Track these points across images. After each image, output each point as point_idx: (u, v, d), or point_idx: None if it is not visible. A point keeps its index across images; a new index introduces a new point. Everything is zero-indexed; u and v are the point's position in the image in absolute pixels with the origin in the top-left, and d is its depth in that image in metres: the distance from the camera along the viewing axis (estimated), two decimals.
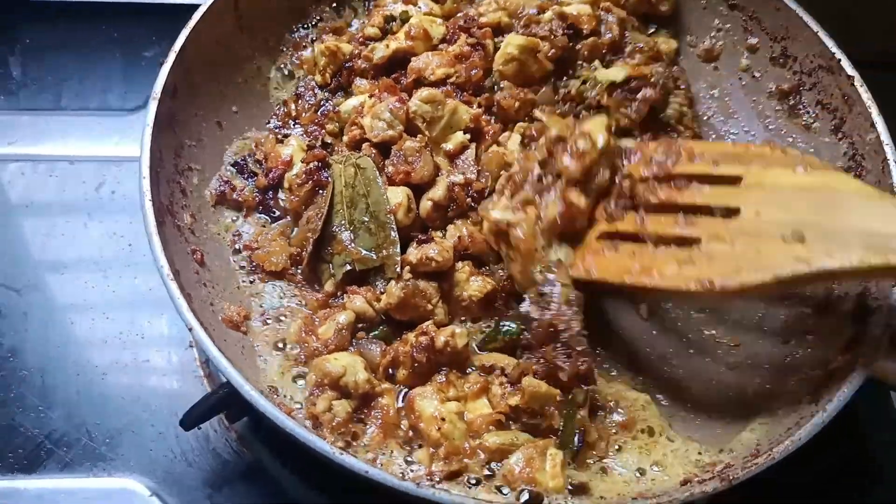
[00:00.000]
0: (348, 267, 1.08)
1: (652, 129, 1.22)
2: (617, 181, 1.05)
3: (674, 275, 0.92)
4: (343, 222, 1.10)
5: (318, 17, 1.31)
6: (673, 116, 1.24)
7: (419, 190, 1.13)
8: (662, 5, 1.31)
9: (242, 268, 1.11)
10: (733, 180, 0.95)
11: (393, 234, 1.08)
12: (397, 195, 1.10)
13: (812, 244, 0.83)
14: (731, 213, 0.93)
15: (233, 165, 1.18)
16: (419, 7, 1.27)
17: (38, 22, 1.52)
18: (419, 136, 1.14)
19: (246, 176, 1.17)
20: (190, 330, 0.92)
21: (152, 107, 1.06)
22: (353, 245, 1.09)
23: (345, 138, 1.17)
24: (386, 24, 1.25)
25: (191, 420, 1.07)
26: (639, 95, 1.19)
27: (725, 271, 0.88)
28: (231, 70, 1.22)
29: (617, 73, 1.21)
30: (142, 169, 1.01)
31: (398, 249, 1.07)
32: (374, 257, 1.08)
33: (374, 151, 1.14)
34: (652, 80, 1.21)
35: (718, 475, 0.91)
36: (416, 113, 1.14)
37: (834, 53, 1.15)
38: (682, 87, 1.27)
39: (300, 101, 1.24)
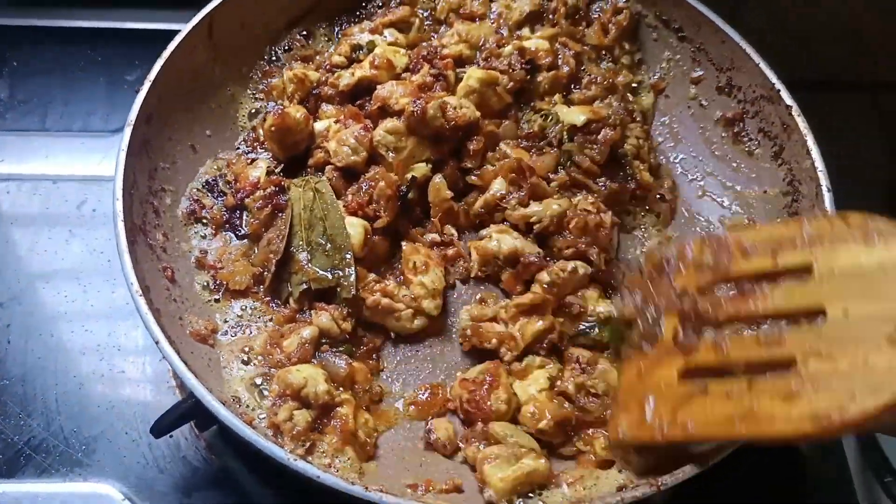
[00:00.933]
0: (304, 286, 1.14)
1: (610, 165, 1.26)
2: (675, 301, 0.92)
3: (784, 416, 0.77)
4: (301, 243, 1.16)
5: (288, 46, 1.38)
6: (630, 151, 1.29)
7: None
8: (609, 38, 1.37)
9: (206, 286, 1.17)
10: (803, 271, 0.83)
11: (348, 256, 1.14)
12: (355, 228, 1.16)
13: None
14: (813, 314, 0.80)
15: (204, 185, 1.24)
16: (384, 37, 1.33)
17: (26, 46, 1.58)
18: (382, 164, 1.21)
19: (216, 195, 1.23)
20: (157, 343, 0.98)
21: (127, 133, 1.12)
22: (309, 265, 1.14)
23: (310, 161, 1.23)
24: (352, 52, 1.32)
25: (160, 428, 1.13)
26: (600, 137, 1.24)
27: (839, 400, 0.72)
28: (205, 96, 1.28)
29: (576, 117, 1.25)
30: (115, 192, 1.08)
31: (353, 270, 1.13)
32: (330, 277, 1.14)
33: (335, 174, 1.20)
34: (611, 120, 1.26)
35: (648, 482, 0.97)
36: (379, 142, 1.21)
37: (774, 84, 1.21)
38: (638, 118, 1.34)
39: None
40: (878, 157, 1.61)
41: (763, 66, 1.23)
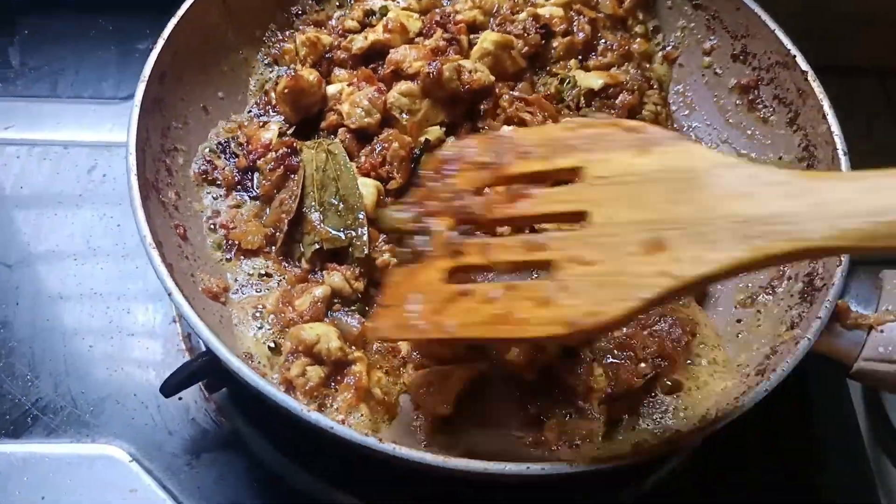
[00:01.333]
0: (317, 246, 1.13)
1: None
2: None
3: (537, 320, 0.76)
4: (313, 204, 1.15)
5: (301, 10, 1.37)
6: (648, 117, 1.28)
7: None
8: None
9: (219, 245, 1.16)
10: (575, 175, 0.82)
11: (361, 216, 1.13)
12: (368, 189, 1.15)
13: (675, 250, 0.70)
14: (579, 218, 0.79)
15: (216, 146, 1.23)
16: (398, 2, 1.33)
17: (37, 13, 1.58)
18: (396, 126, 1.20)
19: (228, 157, 1.22)
20: (169, 295, 0.96)
21: (140, 89, 1.11)
22: (321, 225, 1.14)
23: (322, 123, 1.23)
24: (365, 17, 1.31)
25: (170, 387, 1.12)
26: (617, 101, 1.24)
27: (590, 306, 0.73)
28: (217, 58, 1.27)
29: (593, 81, 1.25)
30: (129, 146, 1.06)
31: (366, 230, 1.12)
32: (343, 237, 1.13)
33: (348, 136, 1.20)
34: (628, 85, 1.26)
35: (667, 441, 0.96)
36: (393, 104, 1.20)
37: (790, 50, 1.21)
38: (655, 86, 1.33)
39: None
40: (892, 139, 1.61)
41: (779, 32, 1.22)
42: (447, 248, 0.87)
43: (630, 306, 0.72)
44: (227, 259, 1.15)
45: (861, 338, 1.02)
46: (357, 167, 1.18)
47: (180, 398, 1.20)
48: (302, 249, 1.15)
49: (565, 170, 0.83)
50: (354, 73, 1.26)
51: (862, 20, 1.58)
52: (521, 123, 1.20)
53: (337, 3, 1.38)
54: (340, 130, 1.21)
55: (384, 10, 1.31)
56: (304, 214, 1.15)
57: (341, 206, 1.14)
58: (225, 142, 1.23)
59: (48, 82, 1.51)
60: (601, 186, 0.78)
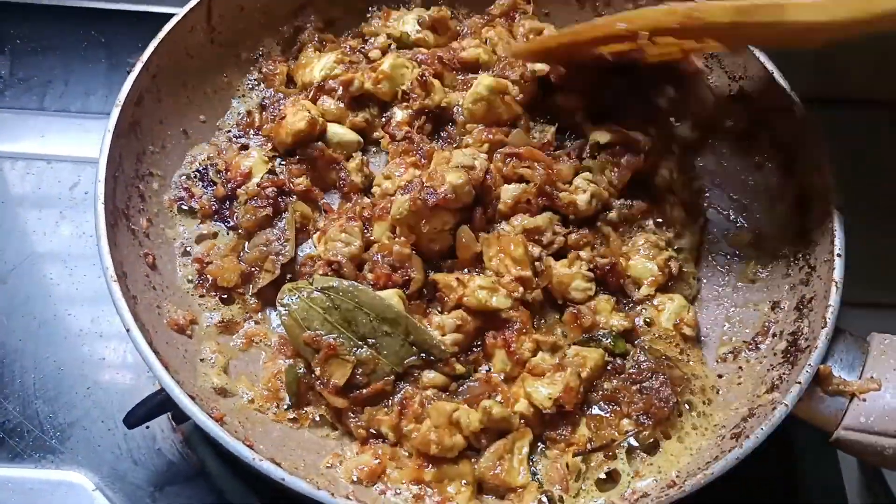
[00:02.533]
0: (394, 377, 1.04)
1: (638, 196, 1.19)
2: None
3: None
4: (354, 344, 1.03)
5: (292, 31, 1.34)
6: (660, 182, 1.21)
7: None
8: None
9: (191, 280, 1.13)
10: None
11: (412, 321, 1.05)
12: (393, 300, 1.06)
13: None
14: None
15: (195, 173, 1.20)
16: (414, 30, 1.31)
17: (28, 24, 1.56)
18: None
19: (205, 184, 1.19)
20: (128, 331, 0.95)
21: (115, 113, 1.09)
22: (383, 359, 1.03)
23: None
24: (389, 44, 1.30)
25: (134, 419, 1.11)
26: (623, 161, 1.17)
27: None
28: (200, 80, 1.24)
29: (601, 135, 1.18)
30: (98, 173, 1.04)
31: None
32: (421, 356, 1.05)
33: (329, 271, 1.10)
34: (638, 146, 1.18)
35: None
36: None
37: (789, 94, 1.16)
38: (676, 150, 1.25)
39: (264, 113, 1.26)
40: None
41: (777, 75, 1.18)
42: None
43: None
44: (199, 294, 1.12)
45: (843, 404, 0.98)
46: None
47: (147, 427, 1.18)
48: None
49: None
50: (340, 106, 1.23)
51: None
52: (521, 180, 1.15)
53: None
54: (318, 265, 1.11)
55: (406, 38, 1.30)
56: (356, 356, 1.02)
57: (387, 328, 1.04)
58: (203, 169, 1.20)
59: (36, 94, 1.50)
60: None
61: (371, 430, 1.02)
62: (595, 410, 1.06)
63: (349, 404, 1.02)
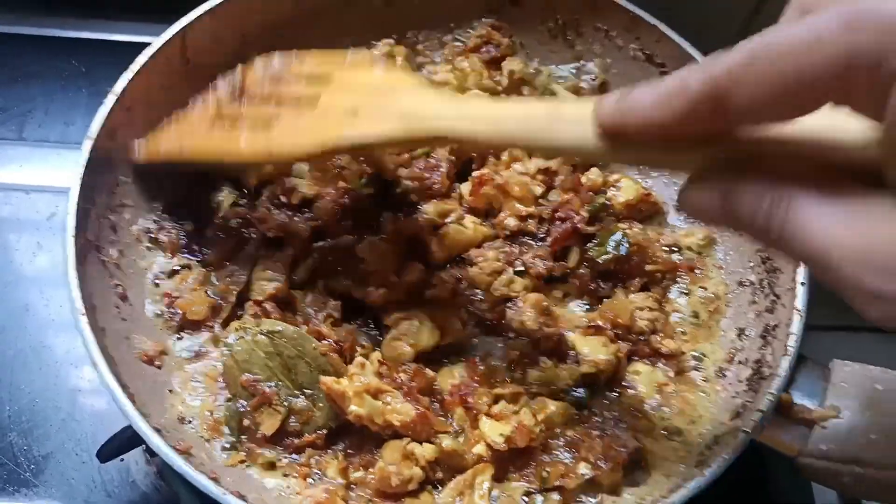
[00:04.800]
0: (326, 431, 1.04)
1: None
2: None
3: (247, 145, 1.03)
4: (289, 393, 1.04)
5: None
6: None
7: None
8: None
9: (160, 314, 1.13)
10: (327, 80, 1.04)
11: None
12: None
13: (362, 119, 0.94)
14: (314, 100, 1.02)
15: (164, 207, 1.20)
16: None
17: (8, 53, 1.58)
18: None
19: (177, 218, 1.20)
20: (94, 366, 0.95)
21: (86, 146, 1.10)
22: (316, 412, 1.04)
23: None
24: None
25: (107, 452, 1.12)
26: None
27: (287, 140, 1.00)
28: (174, 111, 1.25)
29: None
30: (69, 206, 1.06)
31: None
32: None
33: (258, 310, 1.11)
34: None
35: None
36: None
37: None
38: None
39: None
40: None
41: None
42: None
43: (318, 142, 0.97)
44: (168, 327, 1.12)
45: (805, 432, 0.99)
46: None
47: (122, 459, 1.19)
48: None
49: (322, 76, 1.04)
50: None
51: None
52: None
53: None
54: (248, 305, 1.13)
55: None
56: (290, 405, 1.03)
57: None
58: (174, 203, 1.21)
59: (15, 124, 1.51)
60: (337, 86, 1.02)
61: (314, 471, 1.03)
62: (558, 456, 1.05)
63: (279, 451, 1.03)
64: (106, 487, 1.18)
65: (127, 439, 1.12)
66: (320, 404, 1.03)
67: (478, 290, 1.16)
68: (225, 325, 1.12)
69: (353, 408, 1.00)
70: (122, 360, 1.01)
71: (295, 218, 1.17)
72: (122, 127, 1.17)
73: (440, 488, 1.02)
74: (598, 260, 1.17)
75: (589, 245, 1.19)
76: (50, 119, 1.52)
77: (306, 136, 0.99)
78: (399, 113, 0.92)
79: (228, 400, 1.06)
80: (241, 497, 0.90)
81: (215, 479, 0.92)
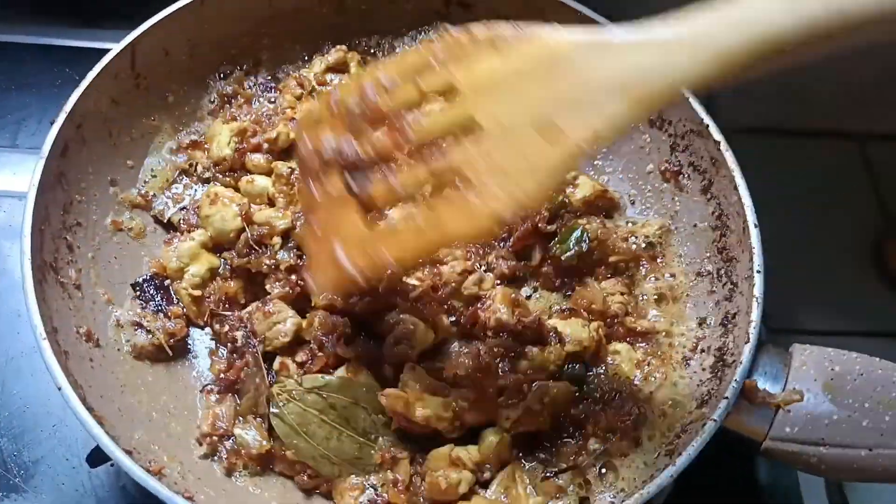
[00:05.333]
0: None
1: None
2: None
3: (466, 219, 0.80)
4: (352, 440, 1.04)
5: (222, 74, 1.35)
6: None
7: None
8: None
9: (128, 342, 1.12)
10: (449, 92, 0.84)
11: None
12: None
13: (566, 123, 0.75)
14: (470, 129, 0.81)
15: (136, 295, 1.16)
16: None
17: (4, 61, 1.58)
18: None
19: (153, 309, 1.15)
20: (59, 389, 0.93)
21: (39, 166, 1.08)
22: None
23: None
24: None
25: (96, 457, 1.11)
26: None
27: (509, 194, 0.78)
28: (127, 126, 1.23)
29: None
30: (23, 229, 1.03)
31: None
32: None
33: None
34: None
35: None
36: None
37: (703, 119, 1.20)
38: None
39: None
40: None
41: (692, 100, 1.22)
42: (353, 196, 0.87)
43: (542, 181, 0.77)
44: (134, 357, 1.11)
45: (770, 416, 1.02)
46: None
47: (112, 464, 1.17)
48: None
49: (438, 91, 0.84)
50: (270, 159, 1.25)
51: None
52: None
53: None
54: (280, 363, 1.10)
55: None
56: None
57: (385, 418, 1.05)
58: (147, 279, 1.17)
59: (10, 131, 1.51)
60: (475, 94, 0.81)
61: None
62: (565, 437, 1.08)
63: None
64: (96, 493, 1.17)
65: None
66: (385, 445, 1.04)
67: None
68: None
69: (419, 411, 1.01)
70: (86, 382, 0.99)
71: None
72: (74, 144, 1.15)
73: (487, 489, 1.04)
74: (562, 258, 1.19)
75: (551, 244, 1.21)
76: (43, 127, 1.50)
77: (518, 177, 0.77)
78: (605, 86, 0.74)
79: None
80: None
81: (190, 499, 0.91)
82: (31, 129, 1.52)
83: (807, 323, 1.10)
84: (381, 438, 1.04)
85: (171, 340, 1.12)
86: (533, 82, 0.78)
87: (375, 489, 1.02)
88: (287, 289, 1.11)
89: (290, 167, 1.21)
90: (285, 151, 1.26)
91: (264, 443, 1.04)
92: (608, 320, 1.17)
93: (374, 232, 0.86)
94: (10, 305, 1.32)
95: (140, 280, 1.17)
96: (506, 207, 0.78)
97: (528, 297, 1.21)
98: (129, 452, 0.92)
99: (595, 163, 1.36)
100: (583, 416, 1.08)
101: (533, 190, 0.78)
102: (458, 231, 0.81)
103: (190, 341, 1.16)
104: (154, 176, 1.26)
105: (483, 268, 1.19)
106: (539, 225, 1.21)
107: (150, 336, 1.11)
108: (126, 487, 1.18)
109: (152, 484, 0.89)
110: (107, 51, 1.18)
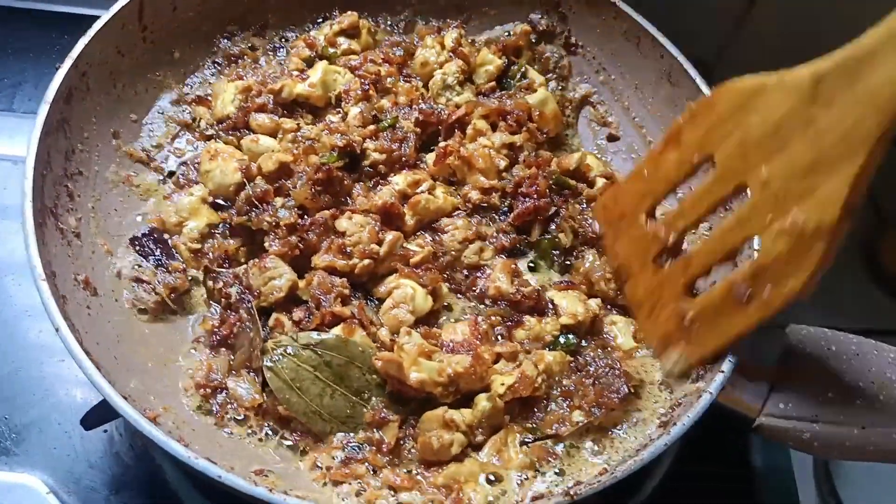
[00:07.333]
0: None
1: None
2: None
3: (772, 294, 0.91)
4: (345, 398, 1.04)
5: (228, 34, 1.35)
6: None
7: None
8: None
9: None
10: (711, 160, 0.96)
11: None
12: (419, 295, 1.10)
13: (825, 154, 0.82)
14: (740, 190, 0.93)
15: (137, 246, 1.15)
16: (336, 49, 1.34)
17: (1, 26, 1.57)
18: None
19: (154, 263, 1.14)
20: (57, 331, 0.93)
21: (43, 110, 1.07)
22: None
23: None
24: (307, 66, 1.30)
25: (91, 420, 1.10)
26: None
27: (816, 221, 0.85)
28: (132, 79, 1.23)
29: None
30: (26, 170, 1.02)
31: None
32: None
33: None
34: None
35: (566, 492, 0.95)
36: None
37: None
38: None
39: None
40: None
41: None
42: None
43: (828, 220, 0.83)
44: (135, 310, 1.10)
45: (764, 393, 1.02)
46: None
47: (105, 430, 1.17)
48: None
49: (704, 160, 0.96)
50: (275, 118, 1.24)
51: None
52: None
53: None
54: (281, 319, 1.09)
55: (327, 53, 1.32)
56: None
57: (378, 379, 1.05)
58: (146, 233, 1.16)
59: (6, 95, 1.51)
60: (743, 155, 0.90)
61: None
62: (552, 406, 1.08)
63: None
64: (88, 458, 1.16)
65: (111, 407, 1.09)
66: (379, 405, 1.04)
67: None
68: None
69: (414, 374, 1.01)
70: (83, 328, 0.98)
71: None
72: (78, 91, 1.14)
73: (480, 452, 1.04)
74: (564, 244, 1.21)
75: (553, 230, 1.23)
76: (39, 92, 1.46)
77: (815, 211, 0.84)
78: (848, 111, 0.79)
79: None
80: (210, 461, 0.89)
81: (186, 446, 0.90)
82: (27, 93, 1.51)
83: (800, 320, 1.10)
84: (374, 399, 1.04)
85: (173, 295, 1.11)
86: (784, 133, 0.86)
87: (358, 448, 1.02)
88: (286, 249, 1.11)
89: (296, 123, 1.20)
90: (288, 108, 1.25)
91: (257, 396, 1.03)
92: (605, 294, 1.18)
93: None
94: (2, 269, 1.31)
95: (139, 234, 1.15)
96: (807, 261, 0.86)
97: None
98: (125, 398, 0.91)
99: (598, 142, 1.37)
100: (573, 387, 1.08)
101: (826, 222, 0.84)
102: (770, 304, 0.92)
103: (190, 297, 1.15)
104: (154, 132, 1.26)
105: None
106: (540, 204, 1.21)
107: (151, 292, 1.10)
108: (119, 454, 1.17)
109: (148, 429, 0.88)
110: (61, 14, 1.19)
